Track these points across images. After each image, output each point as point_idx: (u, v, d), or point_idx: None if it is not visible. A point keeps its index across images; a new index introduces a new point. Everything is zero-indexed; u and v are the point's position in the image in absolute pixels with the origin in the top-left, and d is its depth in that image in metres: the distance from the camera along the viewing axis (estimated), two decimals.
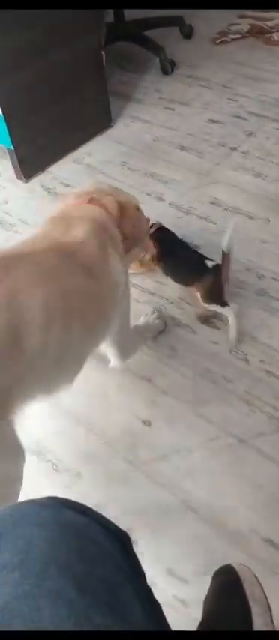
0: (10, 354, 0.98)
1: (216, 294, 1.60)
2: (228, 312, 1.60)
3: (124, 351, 1.49)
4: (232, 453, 1.41)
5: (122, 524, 1.24)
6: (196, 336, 1.64)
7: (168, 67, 3.00)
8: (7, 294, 0.99)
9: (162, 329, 1.66)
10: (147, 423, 1.50)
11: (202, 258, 1.66)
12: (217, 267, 1.60)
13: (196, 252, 1.72)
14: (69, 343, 1.12)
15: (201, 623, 0.86)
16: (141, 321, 1.65)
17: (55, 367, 1.12)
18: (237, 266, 1.79)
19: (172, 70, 3.01)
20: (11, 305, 0.99)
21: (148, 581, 1.20)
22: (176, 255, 1.73)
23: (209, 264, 1.63)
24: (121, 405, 1.55)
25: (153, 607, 0.71)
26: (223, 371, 1.56)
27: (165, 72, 3.01)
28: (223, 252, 1.54)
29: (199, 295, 1.63)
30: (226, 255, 1.54)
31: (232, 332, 1.60)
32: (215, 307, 1.62)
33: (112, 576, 0.60)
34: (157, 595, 1.22)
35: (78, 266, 1.16)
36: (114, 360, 1.49)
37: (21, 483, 1.06)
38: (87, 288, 1.17)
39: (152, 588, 1.20)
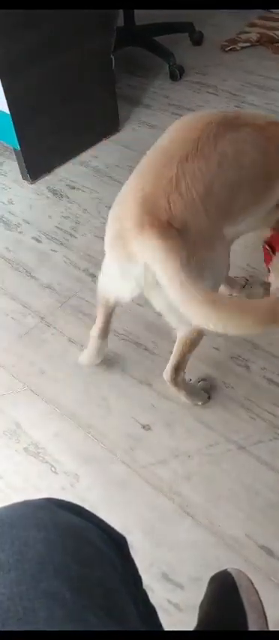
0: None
1: None
2: None
3: None
4: (230, 459, 1.41)
5: (119, 527, 1.25)
6: None
7: (177, 73, 3.00)
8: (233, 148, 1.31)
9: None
10: (146, 427, 1.50)
11: None
12: None
13: None
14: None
15: (196, 629, 0.86)
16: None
17: None
18: (241, 272, 1.79)
19: (181, 76, 3.02)
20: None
21: (144, 585, 1.20)
22: None
23: None
24: (120, 409, 1.55)
25: (148, 611, 0.72)
26: (223, 377, 1.57)
27: (174, 78, 3.02)
28: None
29: None
30: None
31: None
32: None
33: (108, 579, 0.60)
34: (152, 599, 1.22)
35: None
36: None
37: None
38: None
39: (147, 592, 1.20)
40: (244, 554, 1.25)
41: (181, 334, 1.39)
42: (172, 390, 1.47)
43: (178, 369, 1.43)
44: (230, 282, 1.72)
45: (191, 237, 1.22)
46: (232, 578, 0.90)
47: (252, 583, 0.88)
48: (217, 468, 1.40)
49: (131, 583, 0.69)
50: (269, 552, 1.25)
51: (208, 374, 1.57)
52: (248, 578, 0.89)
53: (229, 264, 1.42)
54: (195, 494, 1.36)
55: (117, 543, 0.69)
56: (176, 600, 1.19)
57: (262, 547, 1.26)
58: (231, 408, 1.50)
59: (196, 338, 1.39)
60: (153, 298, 1.31)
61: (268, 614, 1.15)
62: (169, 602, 1.20)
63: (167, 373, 1.44)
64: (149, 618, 0.71)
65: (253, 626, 0.83)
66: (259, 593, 1.16)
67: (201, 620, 0.88)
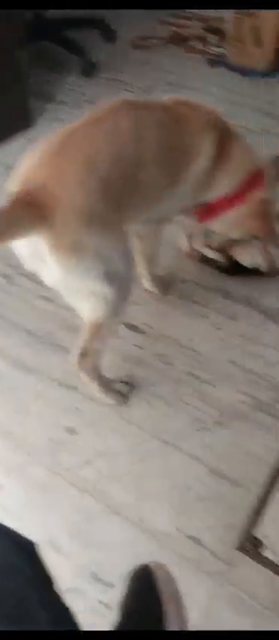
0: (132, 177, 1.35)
1: None
2: None
3: None
4: (157, 456, 1.43)
5: (46, 533, 1.24)
6: (120, 341, 1.65)
7: (89, 69, 2.99)
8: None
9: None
10: (70, 430, 1.49)
11: None
12: None
13: None
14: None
15: (116, 626, 0.87)
16: None
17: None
18: (161, 271, 1.82)
19: (94, 73, 3.01)
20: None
21: (73, 588, 1.20)
22: None
23: None
24: (42, 414, 1.53)
25: (60, 613, 0.72)
26: (147, 374, 1.59)
27: (86, 74, 2.99)
28: None
29: None
30: None
31: None
32: None
33: (18, 588, 0.61)
34: (83, 601, 1.22)
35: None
36: None
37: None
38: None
39: (77, 594, 1.20)
40: (175, 547, 1.28)
41: (84, 318, 1.41)
42: (82, 376, 1.47)
43: (86, 354, 1.42)
44: (156, 280, 1.75)
45: (76, 214, 1.26)
46: (150, 570, 0.92)
47: (170, 574, 0.90)
48: (143, 465, 1.42)
49: (41, 587, 0.69)
50: (198, 542, 1.28)
51: (132, 373, 1.59)
52: (167, 569, 0.91)
53: (128, 250, 1.41)
54: (123, 493, 1.37)
55: (26, 550, 0.70)
56: (107, 600, 1.20)
57: (192, 538, 1.29)
58: (156, 405, 1.52)
59: (97, 323, 1.39)
60: (46, 277, 1.34)
61: (198, 602, 1.19)
62: (100, 602, 1.20)
63: (74, 356, 1.44)
64: (62, 619, 0.71)
65: (170, 616, 0.85)
66: (191, 583, 1.20)
67: (122, 617, 0.90)
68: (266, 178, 1.62)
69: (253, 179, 1.59)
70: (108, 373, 1.51)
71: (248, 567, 1.24)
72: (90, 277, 1.31)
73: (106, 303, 1.36)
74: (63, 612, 0.73)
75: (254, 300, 1.75)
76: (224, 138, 1.53)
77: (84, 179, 1.29)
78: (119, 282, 1.36)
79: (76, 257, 1.27)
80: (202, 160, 1.49)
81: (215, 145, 1.50)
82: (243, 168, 1.58)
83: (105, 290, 1.34)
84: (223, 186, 1.57)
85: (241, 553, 1.26)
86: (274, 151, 2.30)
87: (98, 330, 1.41)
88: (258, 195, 1.60)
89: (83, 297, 1.37)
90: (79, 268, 1.29)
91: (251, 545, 1.27)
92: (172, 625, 0.85)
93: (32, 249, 1.30)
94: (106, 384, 1.50)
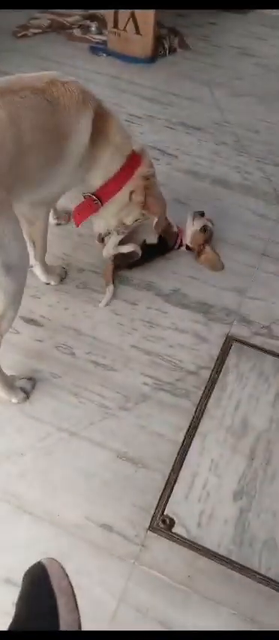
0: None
1: None
2: None
3: None
4: (63, 448, 1.41)
5: None
6: (20, 336, 1.61)
7: None
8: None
9: None
10: None
11: None
12: None
13: None
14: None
15: (11, 625, 0.87)
16: None
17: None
18: (56, 261, 1.80)
19: None
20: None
21: None
22: None
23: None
24: None
25: None
26: (49, 367, 1.56)
27: None
28: None
29: None
30: None
31: None
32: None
33: None
34: None
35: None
36: None
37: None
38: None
39: None
40: (86, 536, 1.27)
41: None
42: None
43: None
44: (49, 269, 1.73)
45: None
46: (43, 567, 0.92)
47: (63, 568, 0.92)
48: (50, 460, 1.39)
49: None
50: (109, 529, 1.28)
51: (33, 368, 1.55)
52: (59, 564, 0.92)
53: (22, 237, 1.39)
54: (31, 491, 1.33)
55: None
56: None
57: (102, 525, 1.29)
58: (60, 396, 1.50)
59: None
60: None
61: (114, 588, 1.20)
62: (14, 604, 1.17)
63: None
64: None
65: (62, 610, 0.86)
66: (104, 570, 1.20)
67: (16, 616, 0.89)
68: (144, 157, 1.69)
69: (133, 159, 1.65)
70: (9, 371, 1.46)
71: (160, 546, 1.26)
72: None
73: (5, 294, 1.32)
74: None
75: (153, 285, 1.79)
76: (101, 117, 1.56)
77: None
78: (16, 270, 1.33)
79: None
80: (79, 137, 1.50)
81: (91, 122, 1.52)
82: (122, 149, 1.63)
83: (3, 279, 1.30)
84: (104, 166, 1.60)
85: (152, 533, 1.28)
86: (158, 134, 2.39)
87: None
88: (140, 171, 1.66)
89: None
90: None
91: (162, 524, 1.30)
92: (62, 616, 0.86)
93: None
94: (6, 382, 1.45)
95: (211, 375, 1.57)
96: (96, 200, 1.65)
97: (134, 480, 1.37)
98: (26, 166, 1.40)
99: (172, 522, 1.30)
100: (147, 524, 1.29)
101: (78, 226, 1.73)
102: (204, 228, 1.84)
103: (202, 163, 2.31)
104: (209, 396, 1.52)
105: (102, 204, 1.66)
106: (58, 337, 1.63)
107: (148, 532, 1.28)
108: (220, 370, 1.58)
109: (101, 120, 1.56)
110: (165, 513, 1.31)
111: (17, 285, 1.35)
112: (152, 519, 1.30)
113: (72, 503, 1.33)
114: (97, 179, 1.62)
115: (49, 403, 1.49)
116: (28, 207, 1.54)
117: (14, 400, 1.47)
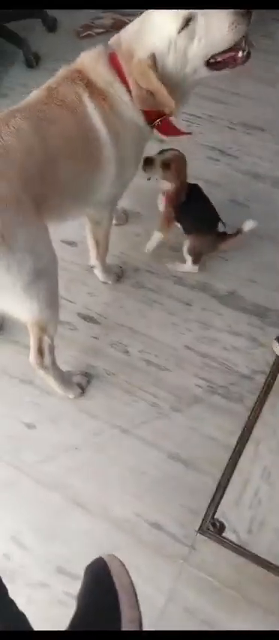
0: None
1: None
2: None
3: None
4: (116, 444, 1.44)
5: (9, 532, 1.23)
6: (77, 332, 1.65)
7: (32, 61, 2.93)
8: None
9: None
10: (31, 425, 1.48)
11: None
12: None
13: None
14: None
15: (73, 618, 0.89)
16: None
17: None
18: (114, 260, 1.82)
19: (37, 64, 2.96)
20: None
21: (38, 584, 1.20)
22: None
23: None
24: (1, 412, 1.51)
25: (14, 618, 0.78)
26: (104, 364, 1.59)
27: (29, 65, 2.94)
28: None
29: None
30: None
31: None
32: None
33: None
34: (48, 594, 1.22)
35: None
36: None
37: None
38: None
39: (42, 589, 1.21)
40: (136, 533, 1.29)
41: (24, 320, 1.36)
42: (41, 374, 1.44)
43: (41, 353, 1.40)
44: (107, 269, 1.75)
45: None
46: (105, 563, 0.93)
47: (124, 565, 0.93)
48: (103, 455, 1.42)
49: None
50: (159, 528, 1.30)
51: (89, 364, 1.58)
52: (120, 561, 0.93)
53: (51, 245, 1.35)
54: (85, 485, 1.37)
55: None
56: (73, 592, 1.19)
57: (152, 523, 1.31)
58: (114, 394, 1.53)
59: (38, 321, 1.35)
60: None
61: (163, 587, 1.21)
62: (66, 594, 1.21)
63: (31, 356, 1.41)
64: (15, 625, 0.76)
65: (124, 607, 0.87)
66: (153, 568, 1.22)
67: (78, 610, 0.91)
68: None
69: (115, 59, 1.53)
70: (65, 366, 1.50)
71: (210, 549, 1.27)
72: (21, 272, 1.24)
73: (38, 300, 1.30)
74: (17, 618, 0.78)
75: (208, 286, 1.78)
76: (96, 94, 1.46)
77: (3, 170, 1.23)
78: (47, 275, 1.32)
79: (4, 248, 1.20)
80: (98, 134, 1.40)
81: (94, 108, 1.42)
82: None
83: (34, 286, 1.28)
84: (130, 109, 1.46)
85: (202, 536, 1.28)
86: (218, 134, 2.36)
87: (43, 329, 1.37)
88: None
89: (14, 297, 1.29)
90: (8, 260, 1.22)
91: (212, 528, 1.30)
92: (124, 614, 0.87)
93: None
94: (64, 378, 1.49)
95: (266, 380, 1.54)
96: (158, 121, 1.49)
97: (185, 481, 1.37)
98: (61, 177, 1.35)
99: (222, 527, 1.30)
100: (197, 527, 1.30)
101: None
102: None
103: (263, 165, 2.27)
104: (264, 402, 1.50)
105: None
106: (113, 335, 1.65)
107: (198, 534, 1.29)
108: (276, 376, 1.56)
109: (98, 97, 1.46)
110: (215, 517, 1.31)
111: (48, 290, 1.33)
112: (202, 522, 1.30)
113: (123, 499, 1.35)
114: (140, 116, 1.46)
115: (102, 400, 1.52)
116: (94, 209, 1.55)
117: (71, 396, 1.50)
